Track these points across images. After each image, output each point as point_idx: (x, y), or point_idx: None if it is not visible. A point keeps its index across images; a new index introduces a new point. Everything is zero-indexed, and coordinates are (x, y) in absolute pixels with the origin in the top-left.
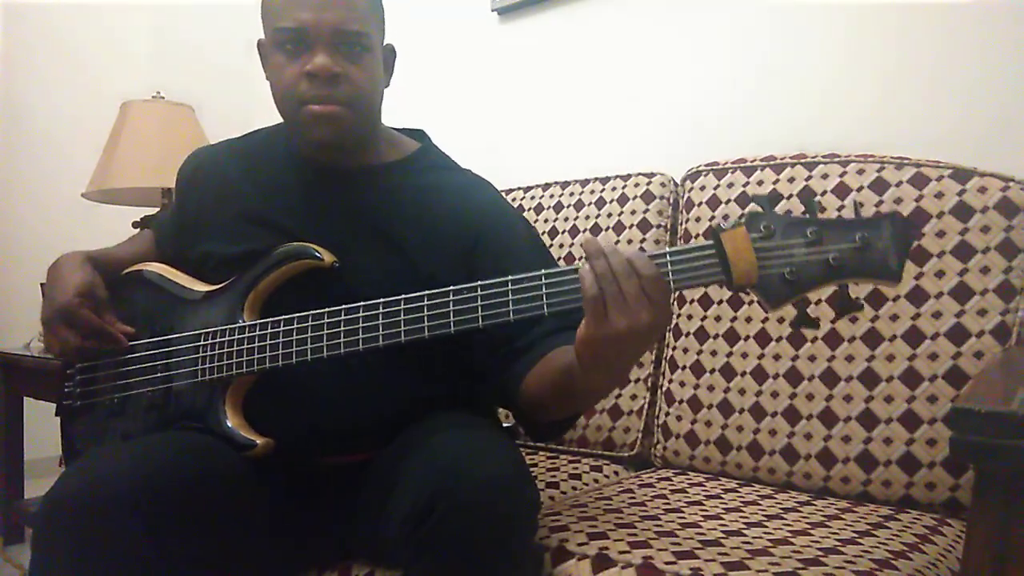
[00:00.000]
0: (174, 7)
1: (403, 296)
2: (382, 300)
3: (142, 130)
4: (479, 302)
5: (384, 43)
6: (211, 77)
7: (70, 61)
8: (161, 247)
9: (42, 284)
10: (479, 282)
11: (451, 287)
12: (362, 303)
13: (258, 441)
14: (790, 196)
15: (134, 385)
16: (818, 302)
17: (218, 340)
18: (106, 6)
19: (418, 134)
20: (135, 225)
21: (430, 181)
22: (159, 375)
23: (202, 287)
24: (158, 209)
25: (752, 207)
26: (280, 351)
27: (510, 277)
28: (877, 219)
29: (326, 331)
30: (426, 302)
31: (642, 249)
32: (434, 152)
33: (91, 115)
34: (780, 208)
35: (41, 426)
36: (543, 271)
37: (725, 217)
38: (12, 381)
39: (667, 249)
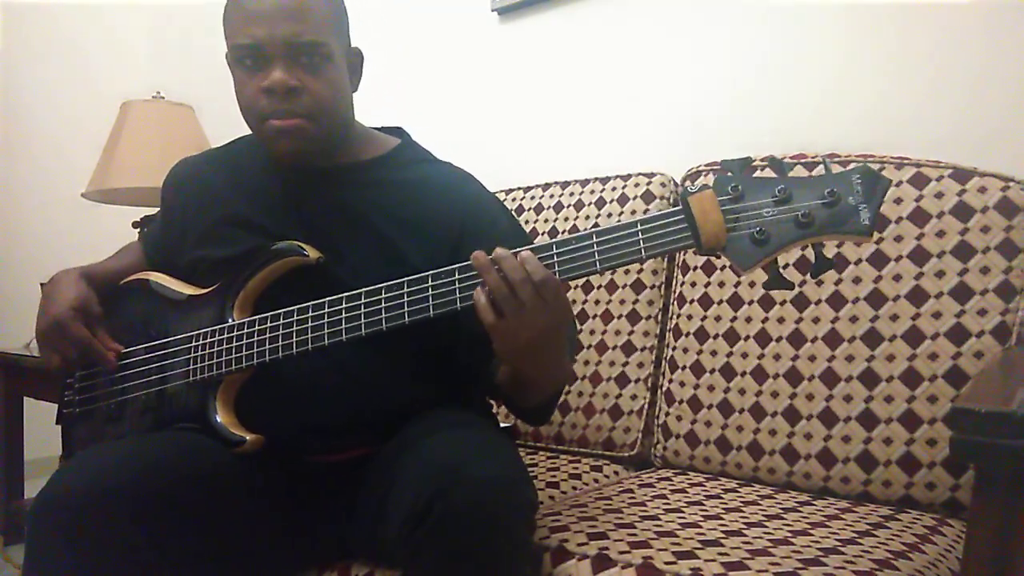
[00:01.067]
0: (174, 7)
1: (384, 284)
2: (364, 290)
3: (142, 130)
4: (456, 284)
5: (350, 47)
6: (211, 77)
7: (70, 61)
8: (151, 259)
9: (42, 284)
10: (457, 265)
11: (430, 271)
12: (344, 294)
13: (247, 437)
14: (764, 168)
15: (130, 390)
16: (818, 302)
17: (207, 340)
18: (106, 6)
19: (397, 131)
20: (135, 225)
21: (412, 175)
22: (154, 378)
23: (193, 291)
24: (158, 209)
25: (720, 171)
26: (267, 346)
27: (493, 253)
28: (846, 173)
29: (311, 323)
30: (406, 288)
31: None
32: (414, 147)
33: (91, 115)
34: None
35: (41, 426)
36: (520, 248)
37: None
38: (12, 381)
39: (637, 217)
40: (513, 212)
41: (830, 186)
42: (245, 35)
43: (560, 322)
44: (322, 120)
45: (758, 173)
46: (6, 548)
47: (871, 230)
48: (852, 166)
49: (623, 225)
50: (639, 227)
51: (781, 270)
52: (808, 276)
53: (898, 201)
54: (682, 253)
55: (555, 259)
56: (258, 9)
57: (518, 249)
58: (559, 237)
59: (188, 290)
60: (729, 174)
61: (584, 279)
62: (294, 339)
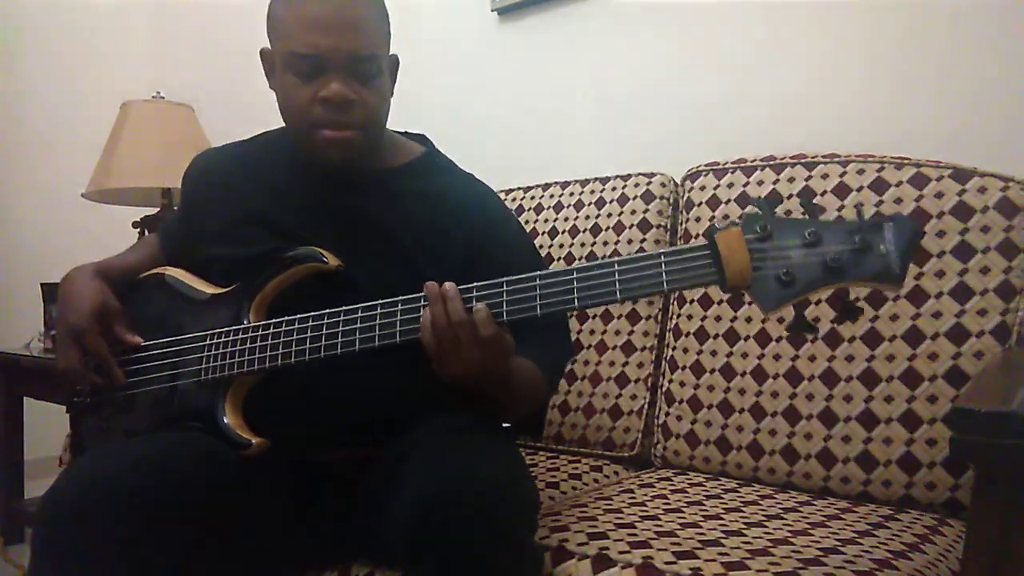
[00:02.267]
0: (174, 7)
1: (401, 297)
2: (380, 301)
3: (142, 130)
4: (473, 303)
5: (390, 53)
6: (211, 77)
7: (70, 61)
8: (167, 251)
9: (42, 284)
10: (475, 284)
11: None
12: (361, 304)
13: (253, 440)
14: (790, 196)
15: (141, 383)
16: (818, 302)
17: (221, 340)
18: (106, 6)
19: (421, 139)
20: (135, 225)
21: (434, 186)
22: (166, 374)
23: (211, 290)
24: (158, 209)
25: (750, 208)
26: (280, 351)
27: (505, 279)
28: (878, 221)
29: (325, 331)
30: (423, 303)
31: (642, 249)
32: (438, 157)
33: (91, 115)
34: (780, 210)
35: (41, 426)
36: (537, 272)
37: (725, 217)
38: (12, 381)
39: (662, 250)
40: (513, 212)
41: (861, 234)
42: (304, 44)
43: (493, 363)
44: (371, 130)
45: (781, 207)
46: (6, 548)
47: (902, 280)
48: (887, 214)
49: (646, 256)
50: (663, 259)
51: (805, 314)
52: (833, 323)
53: (898, 201)
54: None
55: (575, 286)
56: (318, 18)
57: (475, 296)
58: (570, 243)
59: (206, 288)
60: (758, 212)
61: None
62: (307, 345)
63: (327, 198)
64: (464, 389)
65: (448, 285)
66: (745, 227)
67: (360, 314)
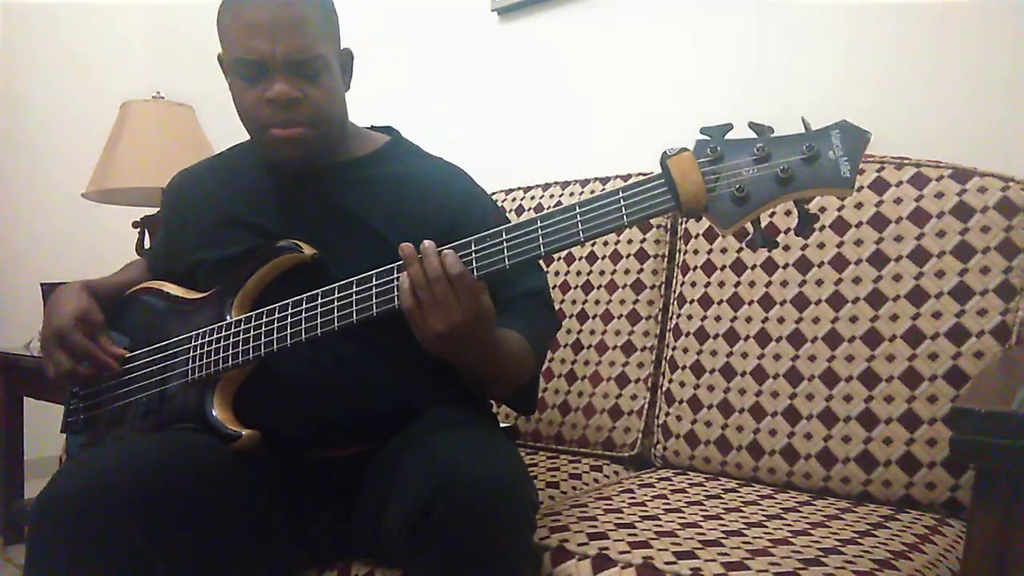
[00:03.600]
0: (174, 7)
1: (375, 271)
2: (355, 278)
3: (142, 130)
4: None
5: (341, 48)
6: (211, 77)
7: (70, 61)
8: (154, 270)
9: (42, 284)
10: (443, 246)
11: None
12: (336, 283)
13: (243, 432)
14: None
15: (132, 393)
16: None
17: (206, 340)
18: (106, 6)
19: (387, 130)
20: (135, 225)
21: (403, 170)
22: (155, 380)
23: (194, 295)
24: (158, 209)
25: (700, 135)
26: (263, 340)
27: (472, 237)
28: (824, 129)
29: (304, 314)
30: (396, 273)
31: (643, 252)
32: (404, 144)
33: (91, 115)
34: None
35: (41, 426)
36: (503, 227)
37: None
38: (12, 381)
39: (619, 186)
40: (513, 212)
41: (809, 141)
42: (245, 49)
43: (473, 319)
44: (321, 126)
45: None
46: (6, 548)
47: (852, 183)
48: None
49: (605, 194)
50: (620, 194)
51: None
52: (794, 232)
53: (898, 201)
54: (682, 252)
55: (539, 233)
56: (256, 22)
57: (443, 247)
58: (543, 212)
59: (189, 295)
60: (708, 137)
61: (584, 279)
62: (288, 331)
63: (297, 193)
64: (451, 358)
65: (426, 242)
66: (696, 151)
67: (337, 294)
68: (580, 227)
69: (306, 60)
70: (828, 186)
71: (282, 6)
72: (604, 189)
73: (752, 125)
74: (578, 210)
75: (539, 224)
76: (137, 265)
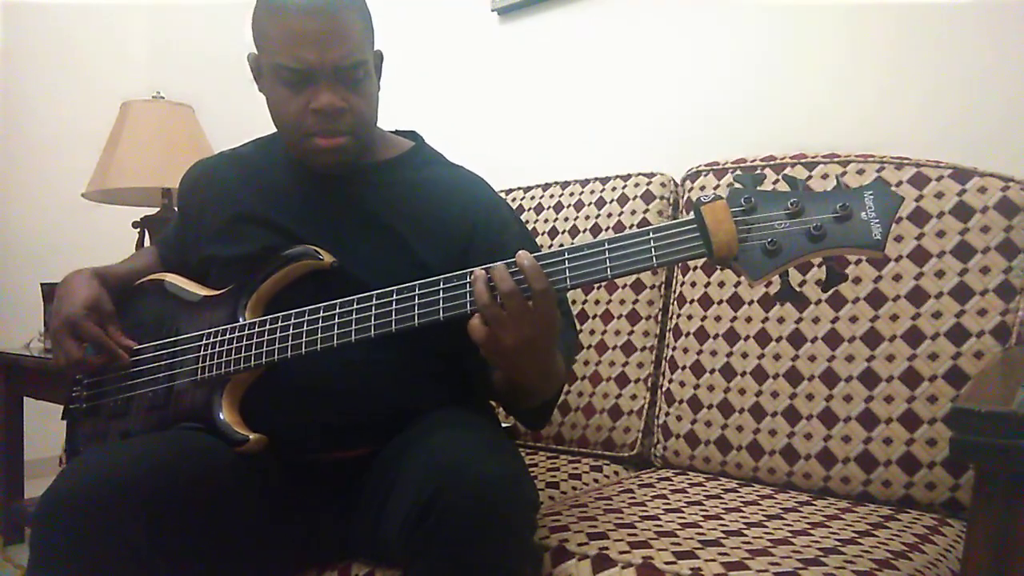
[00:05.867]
0: (174, 7)
1: (395, 287)
2: (375, 292)
3: (142, 130)
4: (467, 288)
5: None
6: (211, 77)
7: (70, 61)
8: (166, 260)
9: (42, 284)
10: (470, 269)
11: (442, 276)
12: (356, 296)
13: (250, 436)
14: (776, 182)
15: (138, 387)
16: (802, 285)
17: (217, 340)
18: (106, 6)
19: (410, 134)
20: (135, 225)
21: (425, 176)
22: (162, 375)
23: (207, 292)
24: (158, 209)
25: (733, 183)
26: (276, 346)
27: (503, 262)
28: (859, 189)
29: (321, 324)
30: (417, 291)
31: None
32: (428, 150)
33: (91, 115)
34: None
35: (41, 426)
36: (533, 255)
37: (702, 188)
38: (12, 381)
39: (649, 227)
40: (503, 198)
41: (842, 200)
42: (292, 57)
43: (546, 330)
44: (362, 134)
45: (769, 186)
46: (6, 548)
47: (882, 245)
48: (865, 182)
49: (635, 233)
50: (651, 235)
51: (797, 287)
52: (822, 292)
53: None
54: None
55: (566, 266)
56: (304, 31)
57: (515, 258)
58: (570, 244)
59: (202, 291)
60: (741, 186)
61: None
62: (304, 339)
63: (320, 194)
64: (514, 377)
65: (498, 265)
66: (730, 200)
67: (355, 306)
68: (608, 264)
69: (351, 67)
70: (859, 247)
71: (330, 16)
72: (604, 189)
73: (786, 178)
74: (607, 246)
75: (567, 257)
76: (148, 253)
